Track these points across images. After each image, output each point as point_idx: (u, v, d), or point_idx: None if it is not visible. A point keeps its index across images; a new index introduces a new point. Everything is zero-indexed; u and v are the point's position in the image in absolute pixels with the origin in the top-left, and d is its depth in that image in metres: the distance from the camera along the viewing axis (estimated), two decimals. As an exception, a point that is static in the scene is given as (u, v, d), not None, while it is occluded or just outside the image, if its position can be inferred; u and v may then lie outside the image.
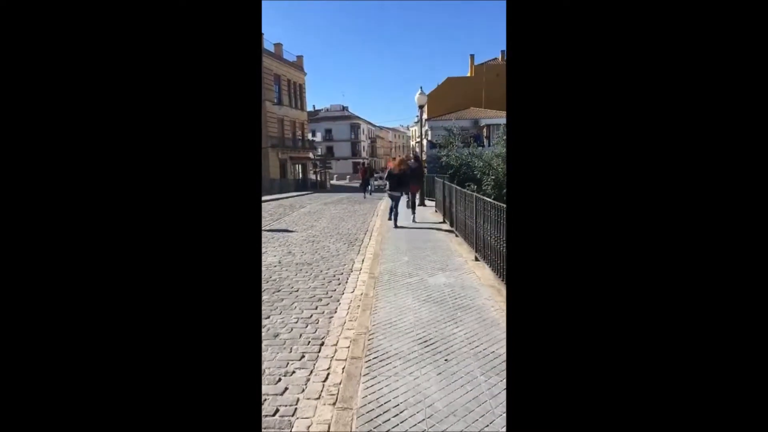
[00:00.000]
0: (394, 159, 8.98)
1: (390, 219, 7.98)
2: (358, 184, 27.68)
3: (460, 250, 5.57)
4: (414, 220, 8.34)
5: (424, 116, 12.75)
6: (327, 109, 56.45)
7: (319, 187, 31.42)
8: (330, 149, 52.25)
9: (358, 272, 4.80)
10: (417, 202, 9.17)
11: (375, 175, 23.86)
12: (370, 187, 19.45)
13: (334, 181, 40.01)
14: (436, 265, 4.79)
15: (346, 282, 4.42)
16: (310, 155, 33.96)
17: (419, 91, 10.98)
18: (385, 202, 12.52)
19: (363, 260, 5.39)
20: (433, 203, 11.26)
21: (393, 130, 71.29)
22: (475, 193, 5.19)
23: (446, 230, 7.19)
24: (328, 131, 53.05)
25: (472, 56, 34.62)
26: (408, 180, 8.23)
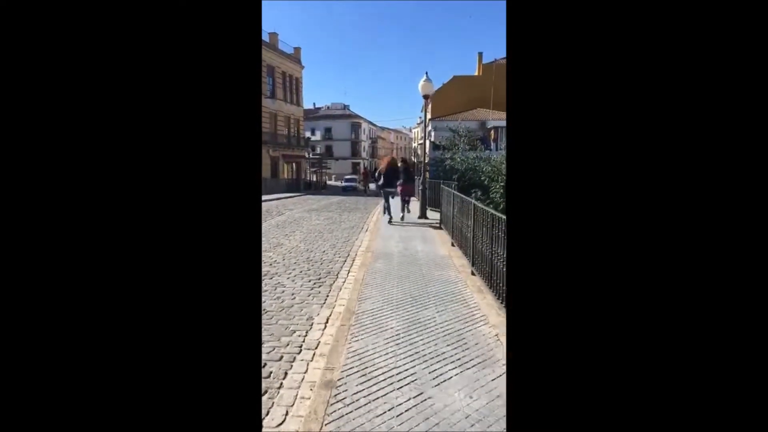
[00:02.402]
0: (386, 159, 9.58)
1: (385, 213, 8.79)
2: (342, 186, 27.70)
3: (484, 307, 3.51)
4: (402, 218, 8.91)
5: (429, 113, 10.78)
6: (328, 107, 54.63)
7: (314, 188, 29.42)
8: (329, 148, 50.54)
9: (308, 357, 2.74)
10: (407, 200, 9.43)
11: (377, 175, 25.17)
12: (373, 186, 21.05)
13: (332, 182, 38.03)
14: (449, 345, 2.73)
15: (278, 393, 2.34)
16: (305, 154, 31.94)
17: (424, 77, 8.94)
18: (380, 209, 10.69)
19: (326, 322, 3.33)
20: (437, 215, 9.20)
21: (395, 131, 69.43)
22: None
23: (457, 261, 5.14)
24: (328, 130, 51.33)
25: (480, 54, 32.67)
26: (396, 176, 8.80)
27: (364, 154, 53.49)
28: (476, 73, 32.07)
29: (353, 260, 5.46)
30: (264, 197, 16.73)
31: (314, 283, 4.42)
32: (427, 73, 8.93)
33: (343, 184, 30.39)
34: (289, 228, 8.40)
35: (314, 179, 31.43)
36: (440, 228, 7.75)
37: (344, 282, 4.44)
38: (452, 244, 6.15)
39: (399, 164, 9.35)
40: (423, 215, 9.30)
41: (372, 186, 23.41)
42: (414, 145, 58.88)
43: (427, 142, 13.39)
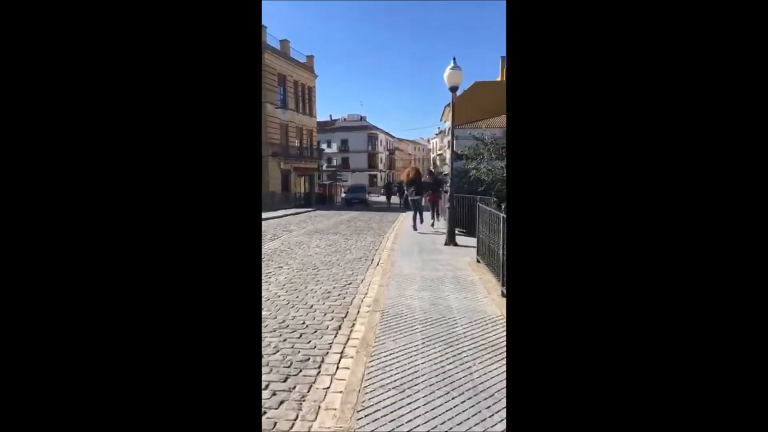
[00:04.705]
0: (407, 171, 10.16)
1: (414, 222, 9.38)
2: (344, 198, 25.48)
3: None
4: (432, 225, 9.77)
5: (453, 112, 8.78)
6: (344, 119, 53.52)
7: (328, 201, 27.64)
8: (345, 160, 49.36)
9: None
10: (438, 211, 10.43)
11: (395, 188, 24.93)
12: (398, 199, 20.38)
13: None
14: None
15: None
16: (318, 166, 30.26)
17: (451, 65, 6.98)
18: (396, 230, 8.93)
19: None
20: (465, 237, 7.13)
21: (413, 142, 67.85)
22: None
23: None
24: (344, 142, 50.23)
25: (503, 58, 30.74)
26: (421, 185, 9.44)
27: (381, 166, 52.06)
28: (499, 78, 30.16)
29: (351, 328, 3.44)
30: (269, 214, 14.95)
31: (265, 405, 2.41)
32: (454, 59, 6.99)
33: (346, 195, 26.41)
34: (277, 261, 6.44)
35: (328, 193, 29.58)
36: (478, 261, 5.68)
37: (323, 399, 2.41)
38: (503, 294, 4.08)
39: (426, 176, 9.87)
40: (452, 241, 7.24)
41: (395, 199, 21.84)
42: (432, 155, 56.97)
43: (448, 153, 11.44)
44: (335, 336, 3.28)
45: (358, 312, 3.83)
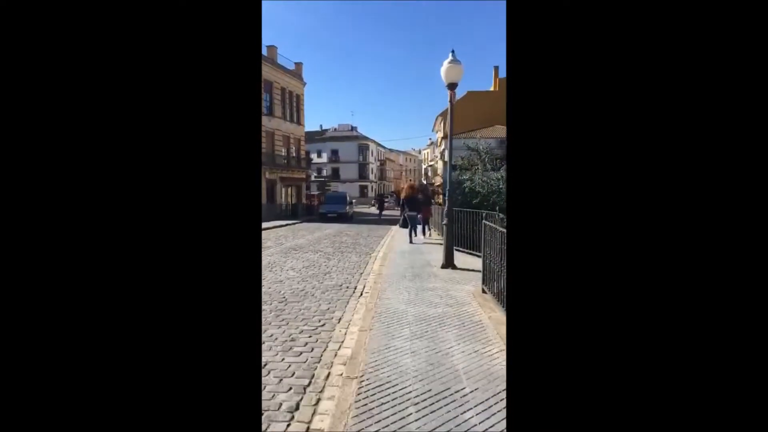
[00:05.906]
0: (407, 186, 11.23)
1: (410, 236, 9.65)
2: (320, 212, 21.74)
3: None
4: (425, 237, 10.24)
5: (447, 128, 7.91)
6: (335, 129, 52.64)
7: (317, 213, 26.46)
8: (336, 171, 48.33)
9: None
10: (428, 226, 10.74)
11: (385, 201, 24.75)
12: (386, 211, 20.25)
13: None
14: None
15: None
16: (306, 176, 29.09)
17: (449, 58, 5.99)
18: (386, 248, 8.20)
19: None
20: (466, 259, 6.08)
21: (404, 153, 67.20)
22: None
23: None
24: (335, 152, 49.27)
25: (496, 68, 30.41)
26: (418, 202, 10.30)
27: (372, 177, 51.12)
28: (492, 88, 29.59)
29: (314, 409, 2.31)
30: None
31: None
32: (453, 51, 6.02)
33: (322, 208, 21.41)
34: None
35: (316, 204, 28.36)
36: (483, 291, 4.63)
37: None
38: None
39: (419, 195, 10.45)
40: (450, 263, 6.17)
41: (386, 211, 21.23)
42: (424, 166, 56.29)
43: (442, 161, 10.55)
44: (287, 427, 2.18)
45: (328, 377, 2.73)
